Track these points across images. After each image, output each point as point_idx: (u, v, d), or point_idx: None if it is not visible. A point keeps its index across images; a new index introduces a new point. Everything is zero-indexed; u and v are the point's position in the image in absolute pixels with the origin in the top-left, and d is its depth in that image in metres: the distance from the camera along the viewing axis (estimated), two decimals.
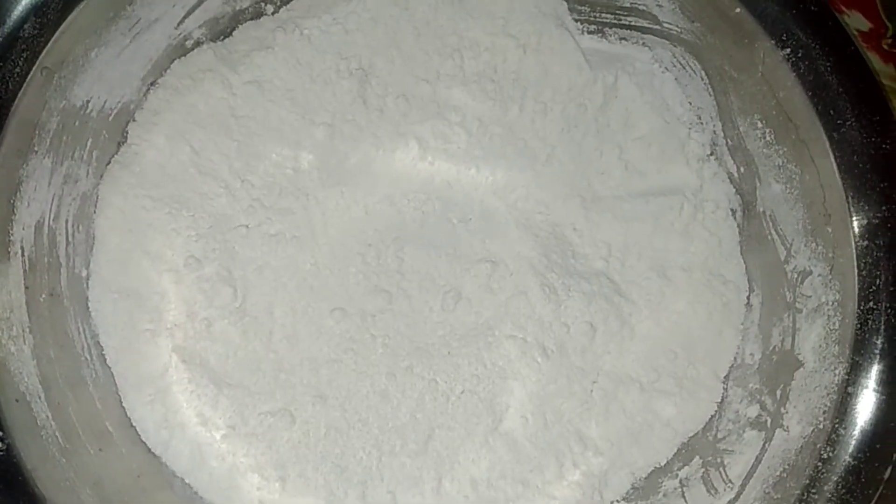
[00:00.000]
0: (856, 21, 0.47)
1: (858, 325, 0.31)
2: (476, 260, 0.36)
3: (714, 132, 0.38)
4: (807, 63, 0.34)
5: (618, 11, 0.39)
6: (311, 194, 0.36)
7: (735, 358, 0.36)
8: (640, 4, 0.38)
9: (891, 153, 0.33)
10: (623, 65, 0.39)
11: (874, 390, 0.31)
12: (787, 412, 0.33)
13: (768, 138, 0.36)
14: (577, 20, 0.40)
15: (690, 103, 0.39)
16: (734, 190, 0.38)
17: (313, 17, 0.38)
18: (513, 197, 0.37)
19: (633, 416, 0.35)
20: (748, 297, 0.37)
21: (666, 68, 0.39)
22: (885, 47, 0.47)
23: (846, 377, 0.31)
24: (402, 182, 0.37)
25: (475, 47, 0.38)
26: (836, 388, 0.31)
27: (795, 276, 0.35)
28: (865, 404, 0.31)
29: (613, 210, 0.37)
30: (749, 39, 0.35)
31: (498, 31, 0.38)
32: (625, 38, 0.39)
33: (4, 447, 0.28)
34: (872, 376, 0.31)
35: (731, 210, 0.38)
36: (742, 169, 0.37)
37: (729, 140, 0.38)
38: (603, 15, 0.39)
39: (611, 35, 0.40)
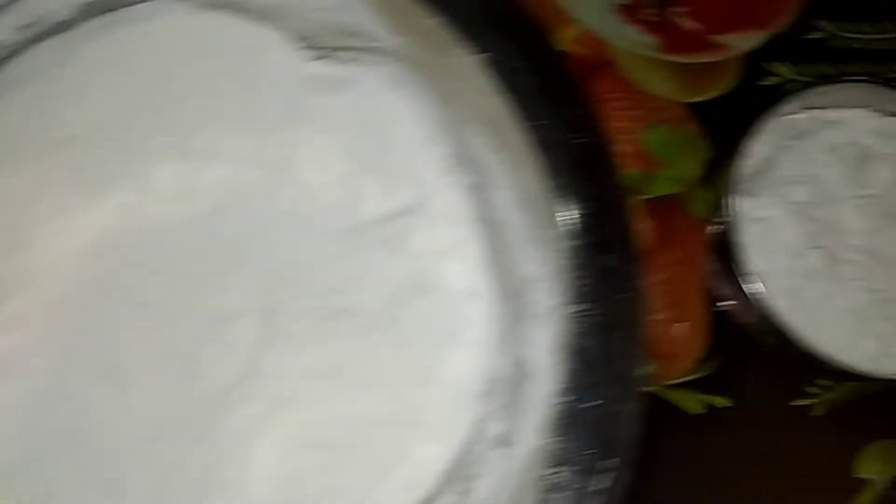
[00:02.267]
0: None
1: (573, 331, 0.31)
2: (212, 319, 0.35)
3: (447, 145, 0.38)
4: (505, 67, 0.33)
5: (335, 34, 0.38)
6: (29, 271, 0.34)
7: (486, 375, 0.35)
8: (349, 24, 0.37)
9: (586, 146, 0.32)
10: (354, 86, 0.38)
11: (592, 398, 0.30)
12: (524, 427, 0.32)
13: (492, 145, 0.35)
14: (300, 48, 0.39)
15: (422, 119, 0.38)
16: (473, 200, 0.37)
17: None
18: (230, 234, 0.36)
19: (388, 457, 0.34)
20: (495, 310, 0.36)
21: (395, 86, 0.38)
22: (647, 18, 0.46)
23: (564, 386, 0.31)
24: (132, 245, 0.36)
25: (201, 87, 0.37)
26: (556, 399, 0.31)
27: (527, 282, 0.34)
28: (586, 413, 0.30)
29: (351, 240, 0.36)
30: (450, 49, 0.34)
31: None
32: (354, 60, 0.38)
33: None
34: (587, 384, 0.30)
35: (472, 221, 0.37)
36: (475, 179, 0.37)
37: (461, 151, 0.37)
38: (323, 38, 0.38)
39: (339, 58, 0.38)
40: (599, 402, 0.29)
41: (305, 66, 0.38)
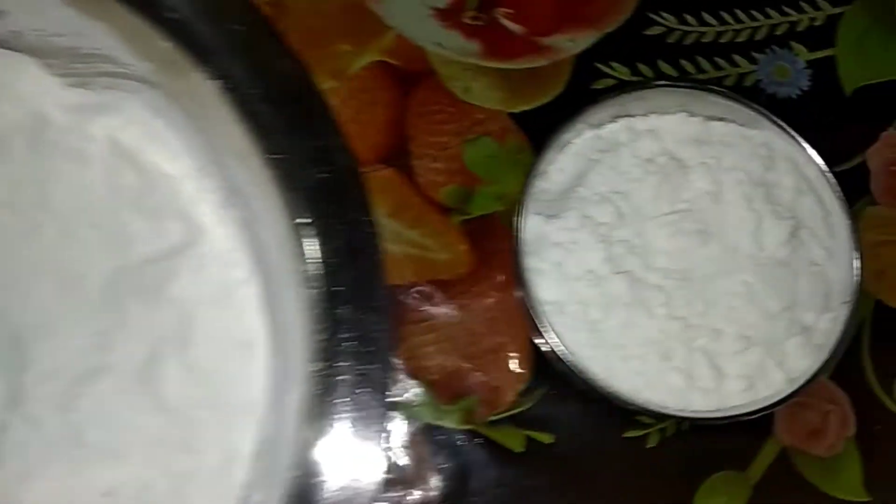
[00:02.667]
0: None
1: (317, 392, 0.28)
2: None
3: (214, 178, 0.34)
4: (240, 93, 0.30)
5: (85, 59, 0.34)
6: None
7: (255, 437, 0.32)
8: (97, 49, 0.33)
9: (330, 181, 0.29)
10: (117, 114, 0.35)
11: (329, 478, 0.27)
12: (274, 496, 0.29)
13: (248, 178, 0.32)
14: (56, 75, 0.35)
15: (186, 148, 0.34)
16: (243, 239, 0.34)
17: None
18: None
19: None
20: (264, 363, 0.33)
21: (157, 114, 0.34)
22: (468, 22, 0.43)
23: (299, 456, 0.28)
24: None
25: None
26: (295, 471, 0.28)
27: (294, 334, 0.31)
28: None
29: (101, 292, 0.33)
30: (189, 73, 0.31)
31: None
32: (110, 87, 0.35)
33: None
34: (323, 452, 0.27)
35: (245, 262, 0.34)
36: (244, 212, 0.34)
37: (230, 185, 0.34)
38: (76, 65, 0.35)
39: (96, 85, 0.35)
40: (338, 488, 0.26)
41: (63, 92, 0.35)
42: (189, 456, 0.31)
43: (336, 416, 0.27)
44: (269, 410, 0.31)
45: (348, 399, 0.27)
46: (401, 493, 0.36)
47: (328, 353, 0.27)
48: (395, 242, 0.39)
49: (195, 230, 0.34)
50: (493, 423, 0.38)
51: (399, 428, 0.37)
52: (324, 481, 0.26)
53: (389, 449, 0.36)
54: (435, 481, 0.36)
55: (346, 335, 0.27)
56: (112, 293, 0.32)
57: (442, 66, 0.42)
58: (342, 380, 0.27)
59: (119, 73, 0.33)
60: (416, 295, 0.39)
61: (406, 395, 0.37)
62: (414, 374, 0.38)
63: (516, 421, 0.38)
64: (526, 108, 0.41)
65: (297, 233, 0.28)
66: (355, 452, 0.27)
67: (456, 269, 0.39)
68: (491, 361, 0.39)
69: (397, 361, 0.36)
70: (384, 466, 0.27)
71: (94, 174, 0.34)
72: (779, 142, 0.36)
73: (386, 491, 0.36)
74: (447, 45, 0.42)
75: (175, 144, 0.34)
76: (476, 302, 0.39)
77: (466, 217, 0.40)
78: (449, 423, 0.37)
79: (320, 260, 0.28)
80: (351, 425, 0.27)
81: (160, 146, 0.34)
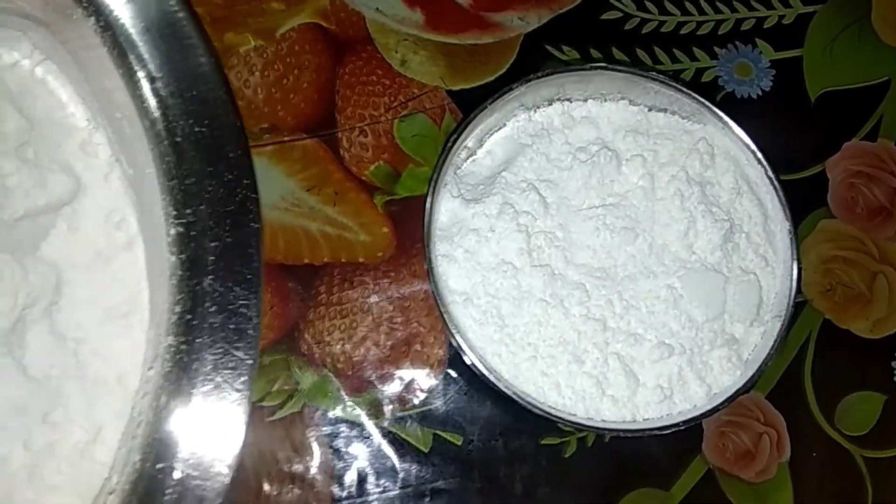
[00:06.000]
0: None
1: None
2: None
3: (102, 130, 0.31)
4: (111, 32, 0.27)
5: None
6: None
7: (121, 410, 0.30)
8: None
9: (205, 136, 0.26)
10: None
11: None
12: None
13: (130, 134, 0.29)
14: None
15: (74, 96, 0.31)
16: (130, 195, 0.31)
17: None
18: None
19: None
20: (140, 334, 0.30)
21: (45, 56, 0.32)
22: None
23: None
24: None
25: None
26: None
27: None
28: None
29: None
30: (68, 11, 0.28)
31: None
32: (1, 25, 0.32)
33: None
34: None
35: (130, 222, 0.31)
36: (132, 170, 0.31)
37: (115, 136, 0.31)
38: None
39: None
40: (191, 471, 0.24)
41: None
42: (51, 429, 0.28)
43: (194, 395, 0.24)
44: (139, 386, 0.28)
45: (208, 377, 0.24)
46: (295, 491, 0.33)
47: (188, 327, 0.24)
48: (311, 219, 0.36)
49: (78, 186, 0.31)
50: (400, 419, 0.35)
51: (298, 418, 0.34)
52: (175, 466, 0.24)
53: (282, 439, 0.33)
54: (334, 478, 0.33)
55: (211, 309, 0.24)
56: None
57: (379, 35, 0.39)
58: (200, 357, 0.24)
59: (5, 7, 0.30)
60: (328, 277, 0.36)
61: (309, 383, 0.35)
62: (321, 361, 0.35)
63: (426, 419, 0.35)
64: (465, 86, 0.39)
65: (170, 193, 0.26)
66: (210, 435, 0.24)
67: (375, 252, 0.36)
68: (403, 354, 0.36)
69: (303, 346, 0.33)
70: (237, 451, 0.24)
71: None
72: (721, 138, 0.33)
73: (281, 488, 0.33)
74: (387, 12, 0.39)
75: (64, 91, 0.31)
76: (393, 289, 0.36)
77: (392, 198, 0.37)
78: (353, 416, 0.35)
79: (185, 223, 0.25)
80: (208, 406, 0.24)
81: (48, 91, 0.31)
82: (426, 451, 0.35)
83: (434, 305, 0.32)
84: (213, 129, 0.26)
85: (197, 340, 0.24)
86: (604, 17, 0.40)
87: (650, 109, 0.33)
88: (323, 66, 0.38)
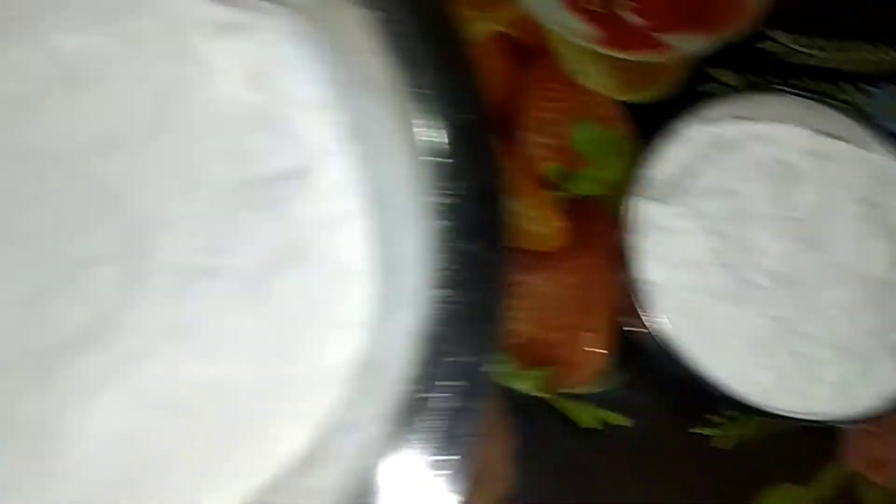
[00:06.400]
0: None
1: (432, 318, 0.28)
2: (67, 263, 0.32)
3: (341, 110, 0.35)
4: (395, 28, 0.30)
5: None
6: None
7: (353, 358, 0.32)
8: None
9: (465, 124, 0.30)
10: (249, 35, 0.35)
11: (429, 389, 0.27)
12: (373, 414, 0.29)
13: (381, 111, 0.33)
14: None
15: (316, 79, 0.35)
16: (362, 173, 0.34)
17: None
18: (115, 192, 0.33)
19: (237, 428, 0.32)
20: (371, 291, 0.33)
21: (292, 39, 0.35)
22: (591, 8, 0.44)
23: (412, 374, 0.28)
24: None
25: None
26: (403, 387, 0.28)
27: (404, 265, 0.31)
28: (432, 405, 0.28)
29: (221, 199, 0.33)
30: (345, 4, 0.31)
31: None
32: (252, 8, 0.36)
33: None
34: (428, 373, 0.28)
35: (359, 195, 0.34)
36: (367, 149, 0.34)
37: (355, 118, 0.34)
38: None
39: (238, 3, 0.36)
40: (445, 394, 0.27)
41: (205, 6, 0.35)
42: (290, 364, 0.31)
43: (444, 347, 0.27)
44: (369, 334, 0.31)
45: (459, 333, 0.27)
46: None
47: (446, 281, 0.27)
48: None
49: (313, 158, 0.34)
50: (566, 396, 0.38)
51: None
52: (428, 398, 0.27)
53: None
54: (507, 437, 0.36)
55: (468, 272, 0.27)
56: (231, 202, 0.33)
57: (561, 47, 0.42)
58: (455, 309, 0.27)
59: None
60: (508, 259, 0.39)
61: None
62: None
63: (591, 399, 0.38)
64: (637, 99, 0.42)
65: (432, 169, 0.29)
66: (463, 377, 0.27)
67: (549, 243, 0.39)
68: (572, 337, 0.39)
69: None
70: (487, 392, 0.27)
71: (224, 89, 0.34)
72: (894, 167, 0.36)
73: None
74: (569, 28, 0.42)
75: (307, 72, 0.34)
76: (565, 278, 0.39)
77: (565, 195, 0.40)
78: (523, 387, 0.37)
79: (450, 199, 0.28)
80: (456, 356, 0.27)
81: (292, 71, 0.34)
82: (586, 427, 0.37)
83: (615, 296, 0.35)
84: (473, 118, 0.29)
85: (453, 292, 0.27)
86: (760, 46, 0.44)
87: (826, 135, 0.36)
88: (509, 71, 0.41)
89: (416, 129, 0.29)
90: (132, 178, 0.34)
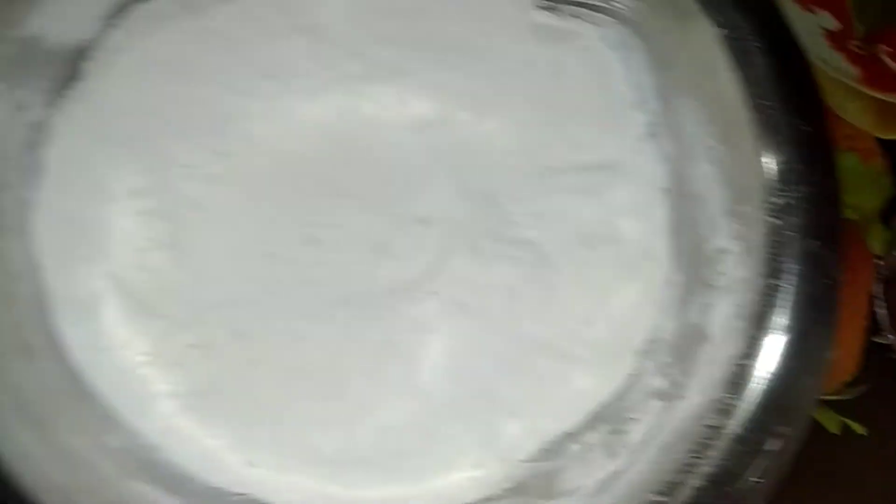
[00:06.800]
0: (824, 20, 0.47)
1: (762, 302, 0.32)
2: (408, 218, 0.37)
3: (653, 112, 0.39)
4: (739, 45, 0.34)
5: None
6: (255, 141, 0.37)
7: (651, 333, 0.36)
8: None
9: (812, 135, 0.33)
10: (572, 41, 0.40)
11: (767, 365, 0.31)
12: (689, 384, 0.33)
13: (702, 119, 0.36)
14: None
15: (633, 83, 0.39)
16: (668, 169, 0.38)
17: None
18: (452, 161, 0.38)
19: (546, 382, 0.36)
20: (671, 275, 0.37)
21: (612, 47, 0.39)
22: (853, 48, 0.47)
23: (744, 351, 0.31)
24: (346, 138, 0.38)
25: (426, 12, 0.39)
26: (733, 362, 0.32)
27: (714, 254, 0.35)
28: (758, 378, 0.31)
29: (549, 181, 0.38)
30: (688, 20, 0.35)
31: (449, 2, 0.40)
32: (576, 16, 0.40)
33: None
34: (767, 352, 0.31)
35: (664, 189, 0.38)
36: (676, 149, 0.38)
37: (667, 120, 0.38)
38: None
39: (563, 11, 0.40)
40: (780, 372, 0.30)
41: (532, 12, 0.40)
42: (591, 329, 0.36)
43: None
44: (666, 314, 0.36)
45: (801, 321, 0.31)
46: None
47: (779, 274, 0.31)
48: None
49: (622, 152, 0.38)
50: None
51: None
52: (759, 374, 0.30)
53: None
54: None
55: (802, 262, 0.31)
56: (556, 185, 0.37)
57: (824, 80, 0.46)
58: (790, 297, 0.31)
59: (598, 6, 0.39)
60: None
61: None
62: None
63: (835, 406, 0.41)
64: (893, 137, 0.45)
65: (766, 173, 0.33)
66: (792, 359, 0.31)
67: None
68: None
69: None
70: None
71: (542, 88, 0.39)
72: None
73: None
74: (831, 64, 0.46)
75: (623, 77, 0.39)
76: None
77: None
78: None
79: (791, 200, 0.32)
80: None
81: (609, 76, 0.39)
82: (836, 433, 0.40)
83: (865, 307, 0.39)
84: (815, 128, 0.32)
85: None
86: None
87: None
88: None
89: (751, 136, 0.33)
90: (457, 155, 0.38)
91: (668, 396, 0.34)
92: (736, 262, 0.33)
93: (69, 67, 0.36)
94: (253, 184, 0.37)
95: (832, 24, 0.47)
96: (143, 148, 0.37)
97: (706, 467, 0.30)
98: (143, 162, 0.37)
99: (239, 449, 0.35)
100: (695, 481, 0.30)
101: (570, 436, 0.36)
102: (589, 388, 0.36)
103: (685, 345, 0.34)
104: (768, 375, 0.30)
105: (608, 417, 0.36)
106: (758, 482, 0.30)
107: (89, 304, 0.35)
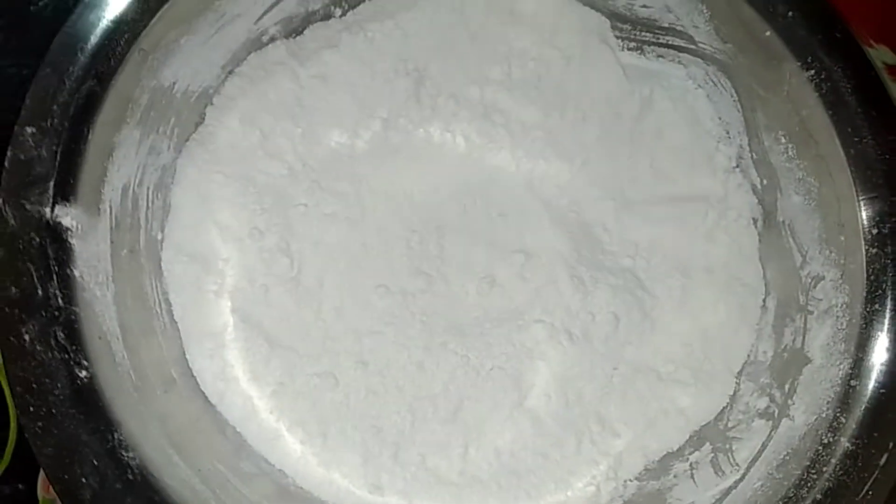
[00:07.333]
0: (883, 55, 0.50)
1: (864, 325, 0.34)
2: (511, 250, 0.39)
3: (740, 146, 0.41)
4: (829, 84, 0.36)
5: (657, 31, 0.42)
6: (365, 180, 0.40)
7: (749, 355, 0.39)
8: (677, 25, 0.41)
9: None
10: (658, 80, 0.42)
11: (875, 384, 0.33)
12: (793, 403, 0.35)
13: (790, 153, 0.39)
14: (618, 37, 0.43)
15: (720, 118, 0.42)
16: (756, 200, 0.41)
17: (377, 22, 0.42)
18: (549, 195, 0.41)
19: (649, 403, 0.38)
20: (764, 300, 0.39)
21: (699, 85, 0.42)
22: None
23: (850, 371, 0.34)
24: (447, 175, 0.41)
25: (522, 56, 0.41)
26: (839, 382, 0.34)
27: (809, 280, 0.37)
28: (866, 396, 0.33)
29: (642, 213, 0.40)
30: (777, 61, 0.38)
31: (545, 43, 0.42)
32: (661, 56, 0.43)
33: (89, 376, 0.31)
34: (874, 371, 0.33)
35: (753, 219, 0.41)
36: (765, 181, 0.40)
37: (754, 154, 0.41)
38: (643, 33, 0.42)
39: (649, 52, 0.43)
40: (888, 391, 0.32)
41: (620, 54, 0.42)
42: (693, 352, 0.39)
43: None
44: (763, 337, 0.39)
45: None
46: None
47: (881, 299, 0.34)
48: None
49: (709, 184, 0.41)
50: None
51: None
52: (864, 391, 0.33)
53: None
54: None
55: None
56: (644, 215, 0.40)
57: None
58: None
59: (684, 47, 0.41)
60: None
61: None
62: None
63: None
64: None
65: (858, 203, 0.35)
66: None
67: None
68: None
69: None
70: None
71: (645, 119, 0.42)
72: None
73: None
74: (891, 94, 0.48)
75: (710, 113, 0.41)
76: None
77: None
78: None
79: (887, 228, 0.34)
80: None
81: (697, 112, 0.41)
82: None
83: None
84: None
85: None
86: None
87: None
88: None
89: (842, 169, 0.36)
90: (563, 196, 0.40)
91: (772, 416, 0.36)
92: (833, 288, 0.36)
93: (193, 112, 0.39)
94: (363, 221, 0.39)
95: (892, 58, 0.50)
96: (262, 187, 0.39)
97: (821, 483, 0.32)
98: (262, 202, 0.39)
99: (364, 474, 0.37)
100: (811, 497, 0.32)
101: (675, 455, 0.38)
102: (691, 408, 0.38)
103: (785, 366, 0.37)
104: (876, 394, 0.33)
105: (712, 437, 0.38)
106: (872, 495, 0.31)
107: (218, 338, 0.37)
